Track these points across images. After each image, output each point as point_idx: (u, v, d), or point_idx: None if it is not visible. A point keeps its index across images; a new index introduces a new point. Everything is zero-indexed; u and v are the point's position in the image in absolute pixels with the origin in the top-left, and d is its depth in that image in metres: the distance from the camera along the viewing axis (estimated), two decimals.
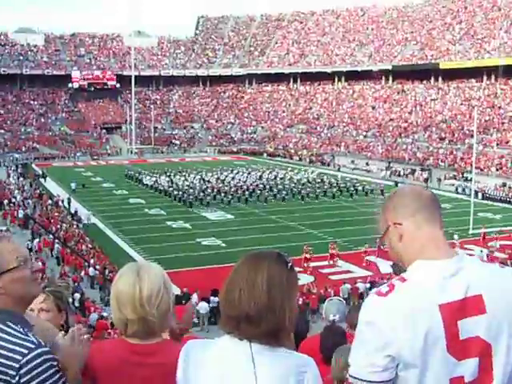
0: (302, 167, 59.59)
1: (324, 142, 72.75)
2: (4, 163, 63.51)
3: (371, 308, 1.76)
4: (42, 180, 53.20)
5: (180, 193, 43.30)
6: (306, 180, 50.25)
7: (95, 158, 71.77)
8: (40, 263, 23.41)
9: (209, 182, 48.28)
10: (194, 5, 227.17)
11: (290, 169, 56.15)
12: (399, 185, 42.83)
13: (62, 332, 2.05)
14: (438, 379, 1.73)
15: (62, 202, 41.09)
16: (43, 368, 1.77)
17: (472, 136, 46.47)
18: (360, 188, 46.39)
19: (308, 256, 26.79)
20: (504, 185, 47.10)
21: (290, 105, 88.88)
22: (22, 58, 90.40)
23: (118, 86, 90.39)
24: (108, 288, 23.19)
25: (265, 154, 74.12)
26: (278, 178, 50.98)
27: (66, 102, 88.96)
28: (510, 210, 40.86)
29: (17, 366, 1.74)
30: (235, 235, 31.94)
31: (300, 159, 68.71)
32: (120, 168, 62.53)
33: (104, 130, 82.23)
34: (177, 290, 22.83)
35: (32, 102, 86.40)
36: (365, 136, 70.27)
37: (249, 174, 52.56)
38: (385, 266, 26.03)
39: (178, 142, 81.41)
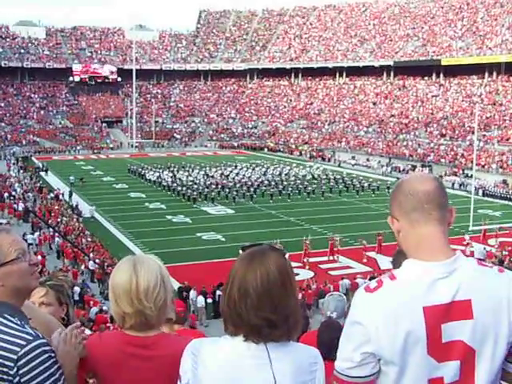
0: (307, 163, 59.06)
1: (325, 137, 72.70)
2: (5, 157, 63.52)
3: (358, 304, 1.78)
4: (42, 173, 53.22)
5: (184, 188, 42.77)
6: (311, 176, 49.75)
7: (96, 151, 71.76)
8: (40, 257, 23.46)
9: (212, 177, 47.84)
10: None
11: (294, 165, 55.64)
12: None
13: (59, 330, 2.05)
14: (416, 378, 1.74)
15: (63, 195, 41.10)
16: (41, 359, 1.78)
17: (473, 133, 46.42)
18: (366, 185, 45.56)
19: (307, 250, 26.82)
20: (504, 182, 47.11)
21: (291, 100, 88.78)
22: (22, 50, 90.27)
23: (119, 79, 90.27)
24: (107, 282, 23.25)
25: (265, 149, 74.09)
26: (282, 174, 50.34)
27: (67, 95, 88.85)
28: (510, 207, 40.85)
29: (15, 357, 1.74)
30: (235, 230, 31.97)
31: (300, 154, 68.69)
32: (120, 162, 62.56)
33: (105, 124, 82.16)
34: (176, 284, 22.91)
35: (33, 95, 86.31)
36: (366, 132, 70.22)
37: (253, 169, 52.01)
38: (384, 262, 26.06)
39: (178, 137, 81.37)
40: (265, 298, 1.71)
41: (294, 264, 24.85)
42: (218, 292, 20.41)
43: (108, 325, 15.08)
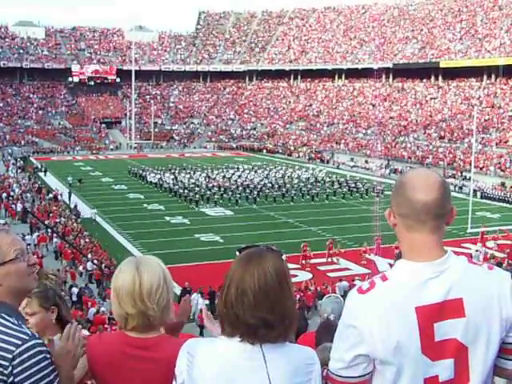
0: (310, 166, 58.42)
1: (323, 139, 72.72)
2: (3, 157, 63.46)
3: (350, 305, 1.80)
4: (41, 174, 53.16)
5: (186, 191, 42.14)
6: (314, 179, 48.99)
7: (94, 152, 71.73)
8: (35, 257, 23.38)
9: (214, 179, 47.15)
10: (196, 0, 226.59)
11: (297, 167, 55.08)
12: None
13: (58, 334, 2.05)
14: (413, 378, 1.75)
15: (61, 195, 41.05)
16: (36, 359, 1.78)
17: (471, 135, 46.44)
18: (371, 188, 44.38)
19: (308, 254, 26.85)
20: (502, 184, 47.16)
21: (290, 101, 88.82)
22: (22, 51, 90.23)
23: (118, 80, 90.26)
24: (104, 283, 23.23)
25: (264, 151, 74.08)
26: (285, 177, 49.63)
27: (66, 95, 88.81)
28: (508, 209, 40.91)
29: (10, 356, 1.74)
30: (233, 231, 31.96)
31: (299, 156, 68.68)
32: (119, 163, 62.55)
33: (104, 125, 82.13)
34: (176, 287, 22.87)
35: (32, 96, 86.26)
36: (364, 134, 70.26)
37: (255, 171, 51.36)
38: (383, 264, 26.06)
39: (177, 138, 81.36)
40: (262, 299, 1.71)
41: (292, 266, 24.91)
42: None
43: (106, 326, 15.08)
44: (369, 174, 55.25)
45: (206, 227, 33.36)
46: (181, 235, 31.68)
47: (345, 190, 44.70)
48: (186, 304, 2.36)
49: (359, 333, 1.74)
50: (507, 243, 29.38)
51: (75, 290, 21.22)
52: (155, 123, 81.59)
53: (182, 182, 45.94)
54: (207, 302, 21.07)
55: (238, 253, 1.86)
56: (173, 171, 50.68)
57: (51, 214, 34.48)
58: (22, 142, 71.83)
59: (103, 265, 24.72)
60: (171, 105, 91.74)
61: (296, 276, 23.78)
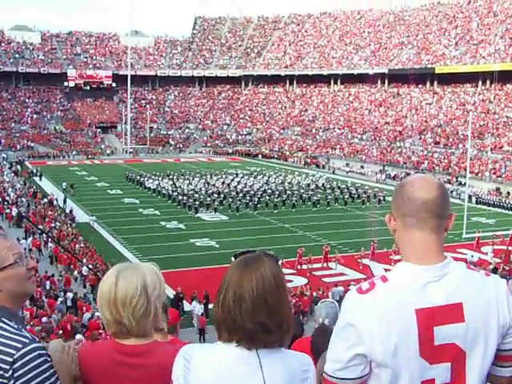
0: (310, 172, 58.02)
1: (319, 144, 72.85)
2: None
3: (349, 305, 1.79)
4: (36, 178, 53.06)
5: (185, 197, 41.52)
6: (314, 185, 48.35)
7: (90, 157, 71.62)
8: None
9: (214, 186, 46.55)
10: (192, 5, 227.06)
11: (297, 173, 54.74)
12: None
13: (57, 340, 2.05)
14: (410, 381, 1.75)
15: (56, 200, 40.95)
16: (37, 363, 1.78)
17: (467, 140, 46.61)
18: (372, 195, 43.98)
19: (305, 258, 26.87)
20: (497, 189, 47.29)
21: (285, 107, 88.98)
22: (17, 55, 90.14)
23: (113, 85, 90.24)
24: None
25: (260, 156, 74.12)
26: (285, 183, 48.93)
27: (62, 100, 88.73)
28: (504, 214, 41.02)
29: (10, 360, 1.74)
30: (229, 236, 31.93)
31: (294, 161, 68.70)
32: (115, 167, 62.49)
33: (99, 130, 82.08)
34: (168, 290, 22.87)
35: (27, 100, 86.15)
36: (360, 139, 70.42)
37: (255, 177, 50.81)
38: (378, 269, 26.06)
39: (173, 143, 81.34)
40: (260, 304, 1.71)
41: (288, 271, 24.92)
42: None
43: (100, 331, 15.03)
44: (364, 180, 55.31)
45: (202, 232, 33.33)
46: (176, 240, 31.65)
47: (346, 196, 44.13)
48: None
49: (358, 333, 1.73)
50: (502, 248, 29.48)
51: (70, 295, 21.15)
52: (151, 128, 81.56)
53: (180, 188, 45.41)
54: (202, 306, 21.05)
55: (233, 258, 1.86)
56: (171, 177, 50.20)
57: (46, 219, 34.41)
58: (18, 147, 71.68)
59: (98, 270, 24.64)
60: (167, 110, 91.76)
61: (291, 281, 23.79)
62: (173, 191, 44.28)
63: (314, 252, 27.65)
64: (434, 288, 1.75)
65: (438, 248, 1.82)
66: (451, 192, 47.29)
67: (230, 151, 78.18)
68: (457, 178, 51.15)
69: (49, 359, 1.82)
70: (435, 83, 76.33)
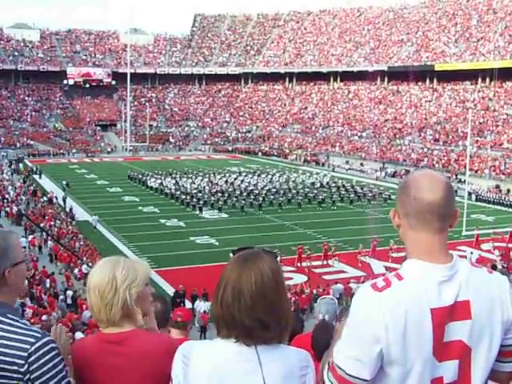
0: (314, 170, 57.21)
1: (319, 141, 72.83)
2: None
3: (365, 301, 1.77)
4: (35, 176, 53.03)
5: (188, 197, 40.94)
6: (319, 184, 47.64)
7: (90, 155, 71.60)
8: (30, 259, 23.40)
9: (217, 184, 45.89)
10: (191, 3, 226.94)
11: (301, 172, 54.04)
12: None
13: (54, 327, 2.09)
14: (420, 378, 1.75)
15: (56, 198, 40.91)
16: (51, 356, 1.82)
17: (466, 138, 46.60)
18: (377, 193, 43.22)
19: (305, 255, 26.91)
20: (497, 187, 47.30)
21: (285, 104, 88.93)
22: (17, 53, 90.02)
23: (113, 83, 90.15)
24: None
25: (260, 154, 74.08)
26: (290, 182, 48.09)
27: (61, 98, 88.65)
28: (503, 212, 41.03)
29: (25, 354, 1.78)
30: (229, 234, 31.94)
31: (296, 159, 68.68)
32: (114, 165, 62.47)
33: (99, 127, 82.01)
34: (167, 287, 22.91)
35: (27, 98, 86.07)
36: (360, 136, 70.39)
37: (258, 176, 50.20)
38: (378, 267, 26.13)
39: (173, 140, 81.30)
40: (259, 300, 1.72)
41: (287, 268, 24.95)
42: None
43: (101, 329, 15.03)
44: (364, 177, 55.29)
45: (202, 230, 33.33)
46: (176, 238, 31.66)
47: (352, 195, 43.33)
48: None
49: (376, 331, 1.72)
50: (501, 245, 29.52)
51: (70, 293, 21.16)
52: (150, 126, 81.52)
53: (183, 187, 44.71)
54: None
55: (231, 254, 1.87)
56: (174, 176, 49.49)
57: (46, 217, 34.41)
58: (17, 145, 71.64)
59: None
60: (166, 107, 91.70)
61: (291, 279, 23.82)
62: (176, 190, 43.65)
63: (320, 250, 27.74)
64: (447, 287, 1.77)
65: (443, 247, 1.83)
66: None
67: (230, 149, 78.14)
68: (456, 175, 51.13)
69: (59, 352, 1.87)
70: (435, 80, 76.27)
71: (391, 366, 1.75)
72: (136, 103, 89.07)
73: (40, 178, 52.39)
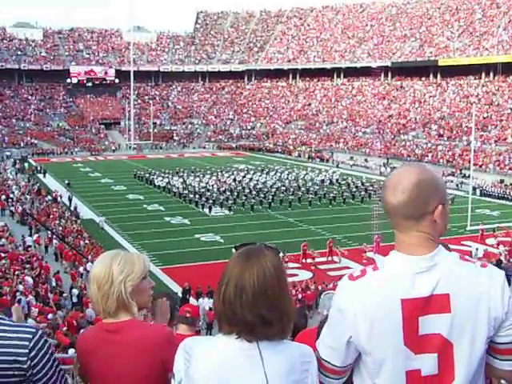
0: (322, 167, 56.43)
1: (323, 138, 72.75)
2: (2, 159, 63.41)
3: (340, 290, 1.85)
4: (40, 175, 53.13)
5: (197, 196, 40.26)
6: (329, 182, 47.12)
7: (94, 153, 71.71)
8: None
9: (225, 183, 45.13)
10: (194, 0, 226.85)
11: (309, 169, 53.25)
12: None
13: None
14: (394, 370, 1.77)
15: (61, 197, 40.97)
16: (46, 347, 1.88)
17: (470, 133, 46.50)
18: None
19: (310, 252, 26.90)
20: (501, 181, 47.18)
21: (289, 101, 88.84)
22: (20, 52, 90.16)
23: (116, 81, 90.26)
24: None
25: (264, 150, 74.00)
26: (299, 179, 47.30)
27: (65, 97, 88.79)
28: (508, 206, 40.93)
29: (26, 351, 1.81)
30: (233, 231, 31.95)
31: (299, 156, 68.62)
32: (119, 163, 62.55)
33: (102, 126, 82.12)
34: (172, 284, 22.93)
35: (30, 97, 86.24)
36: (364, 132, 70.29)
37: (267, 174, 49.56)
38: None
39: (177, 138, 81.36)
40: (261, 296, 1.72)
41: (293, 265, 24.97)
42: None
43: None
44: (368, 173, 55.21)
45: (206, 227, 33.36)
46: (181, 235, 31.69)
47: (363, 193, 42.61)
48: (164, 306, 2.46)
49: (346, 318, 1.78)
50: (506, 240, 29.43)
51: (75, 291, 21.20)
52: (154, 124, 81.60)
53: (191, 185, 43.92)
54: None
55: (234, 250, 1.88)
56: (181, 175, 48.68)
57: (51, 216, 34.48)
58: (21, 144, 71.79)
59: None
60: (170, 105, 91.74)
61: (297, 275, 23.83)
62: (183, 189, 43.02)
63: (324, 247, 27.71)
64: (422, 279, 1.76)
65: (424, 242, 1.81)
66: (456, 185, 47.25)
67: (234, 146, 78.12)
68: (461, 170, 51.04)
69: (51, 343, 1.95)
70: (438, 76, 76.09)
71: (366, 354, 1.79)
72: (139, 101, 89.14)
73: (44, 176, 52.49)
